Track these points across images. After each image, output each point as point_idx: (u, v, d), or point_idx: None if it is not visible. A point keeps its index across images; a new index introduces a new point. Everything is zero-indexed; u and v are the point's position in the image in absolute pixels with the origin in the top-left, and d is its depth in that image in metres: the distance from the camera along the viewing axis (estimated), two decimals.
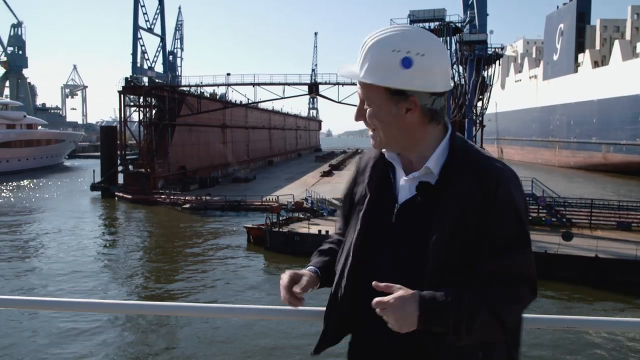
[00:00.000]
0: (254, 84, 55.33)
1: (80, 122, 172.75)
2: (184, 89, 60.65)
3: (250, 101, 63.02)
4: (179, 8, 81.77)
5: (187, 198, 46.10)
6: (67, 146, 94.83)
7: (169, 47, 71.47)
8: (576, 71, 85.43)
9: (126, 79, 55.26)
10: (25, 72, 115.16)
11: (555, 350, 15.35)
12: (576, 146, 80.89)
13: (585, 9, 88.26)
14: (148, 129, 56.19)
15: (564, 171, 76.12)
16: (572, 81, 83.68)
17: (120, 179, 54.90)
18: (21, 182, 63.24)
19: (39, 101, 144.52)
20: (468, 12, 46.27)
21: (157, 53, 64.95)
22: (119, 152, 56.70)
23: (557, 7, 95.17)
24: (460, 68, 44.72)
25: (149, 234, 35.96)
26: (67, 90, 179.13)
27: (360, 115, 1.68)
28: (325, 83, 54.13)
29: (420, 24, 41.45)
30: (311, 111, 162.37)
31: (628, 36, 79.97)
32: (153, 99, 56.82)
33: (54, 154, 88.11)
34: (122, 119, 55.52)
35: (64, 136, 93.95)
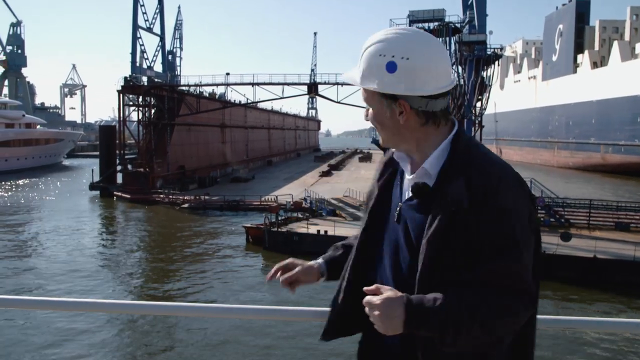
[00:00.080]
0: (253, 84, 55.34)
1: (79, 121, 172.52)
2: (183, 88, 60.66)
3: (249, 101, 63.06)
4: (179, 8, 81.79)
5: (186, 198, 46.09)
6: (66, 145, 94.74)
7: (168, 47, 71.48)
8: (575, 72, 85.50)
9: (125, 78, 55.23)
10: (24, 71, 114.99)
11: (553, 350, 15.35)
12: (575, 147, 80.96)
13: (584, 10, 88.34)
14: (147, 128, 56.16)
15: (562, 172, 76.17)
16: (571, 82, 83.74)
17: (119, 178, 54.91)
18: (20, 181, 63.16)
19: (37, 100, 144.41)
20: (467, 13, 46.27)
21: (157, 52, 65.00)
22: (117, 152, 56.69)
23: (557, 7, 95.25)
24: (460, 68, 44.72)
25: (147, 233, 35.93)
26: (66, 90, 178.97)
27: (366, 116, 1.72)
28: (325, 83, 54.18)
29: (420, 24, 41.49)
30: (310, 111, 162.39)
31: (627, 37, 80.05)
32: (152, 99, 56.80)
33: (52, 153, 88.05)
34: (121, 119, 55.50)
35: (63, 135, 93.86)
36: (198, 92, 62.50)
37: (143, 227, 38.01)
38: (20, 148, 78.32)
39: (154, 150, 54.79)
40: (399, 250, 1.61)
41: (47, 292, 21.51)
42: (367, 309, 1.51)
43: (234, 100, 71.18)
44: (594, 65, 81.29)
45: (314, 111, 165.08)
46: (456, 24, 43.84)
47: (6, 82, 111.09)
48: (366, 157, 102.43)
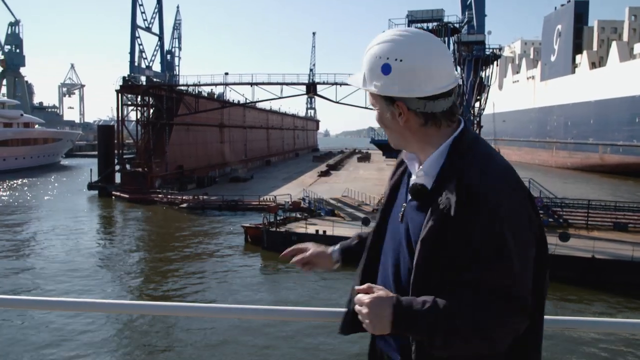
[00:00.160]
0: (251, 84, 55.33)
1: (77, 121, 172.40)
2: (182, 88, 60.62)
3: (248, 101, 62.99)
4: (177, 7, 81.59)
5: (184, 197, 46.08)
6: (64, 145, 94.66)
7: (167, 47, 71.38)
8: (573, 72, 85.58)
9: (124, 78, 55.18)
10: (22, 70, 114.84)
11: (551, 350, 15.36)
12: (573, 147, 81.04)
13: (582, 10, 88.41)
14: (145, 128, 56.13)
15: (561, 172, 76.26)
16: (570, 82, 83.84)
17: (118, 178, 54.89)
18: (18, 181, 63.08)
19: (36, 100, 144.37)
20: (466, 13, 46.28)
21: (155, 52, 64.87)
22: (116, 151, 56.68)
23: (555, 8, 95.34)
24: (458, 68, 44.74)
25: (146, 233, 35.91)
26: (65, 89, 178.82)
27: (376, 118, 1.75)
28: (323, 83, 54.17)
29: (418, 25, 41.47)
30: (309, 111, 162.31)
31: (625, 37, 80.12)
32: (151, 98, 56.77)
33: (51, 152, 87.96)
34: (120, 118, 55.49)
35: (61, 135, 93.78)
36: (197, 91, 62.47)
37: (141, 227, 37.98)
38: (18, 147, 78.24)
39: (153, 150, 54.77)
40: (400, 250, 1.61)
41: (45, 292, 21.49)
42: (357, 307, 1.52)
43: (233, 100, 71.16)
44: (593, 65, 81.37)
45: (312, 111, 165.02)
46: (455, 24, 43.83)
47: (4, 82, 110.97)
48: (365, 157, 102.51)
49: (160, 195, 48.04)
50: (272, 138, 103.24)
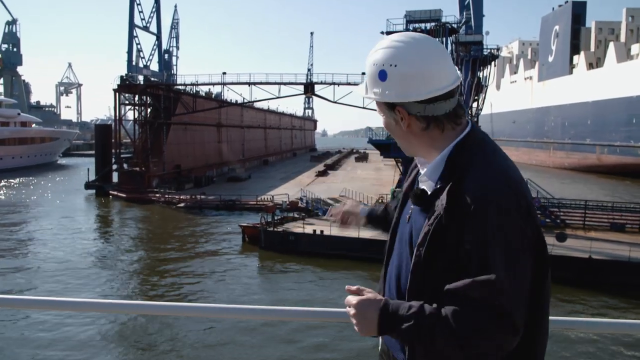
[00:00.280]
0: (249, 83, 55.27)
1: (74, 120, 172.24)
2: (180, 87, 60.53)
3: (245, 100, 62.96)
4: (175, 7, 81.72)
5: (182, 197, 46.03)
6: (62, 144, 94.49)
7: (164, 46, 71.38)
8: (571, 73, 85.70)
9: (121, 77, 55.10)
10: (19, 69, 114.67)
11: (549, 350, 15.38)
12: (570, 147, 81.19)
13: (580, 11, 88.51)
14: (143, 127, 56.07)
15: (558, 172, 76.40)
16: (567, 83, 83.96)
17: (115, 177, 54.80)
18: (14, 180, 62.95)
19: (33, 99, 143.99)
20: (464, 13, 46.38)
21: (153, 51, 64.83)
22: (113, 151, 56.60)
23: (553, 8, 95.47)
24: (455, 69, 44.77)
25: (143, 233, 35.87)
26: (62, 88, 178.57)
27: None
28: (321, 83, 54.16)
29: (416, 25, 41.53)
30: (307, 111, 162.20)
31: (623, 38, 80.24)
32: (148, 98, 56.70)
33: (48, 152, 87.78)
34: (117, 118, 55.38)
35: (58, 134, 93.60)
36: (194, 91, 62.41)
37: (139, 227, 37.93)
38: (15, 147, 78.07)
39: (150, 149, 54.70)
40: (403, 252, 1.63)
41: (42, 291, 21.45)
42: (346, 308, 1.55)
43: (231, 100, 71.14)
44: (590, 66, 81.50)
45: (310, 111, 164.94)
46: (453, 25, 43.85)
47: (1, 81, 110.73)
48: (362, 157, 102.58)
49: (157, 195, 47.97)
50: (269, 138, 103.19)
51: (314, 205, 38.68)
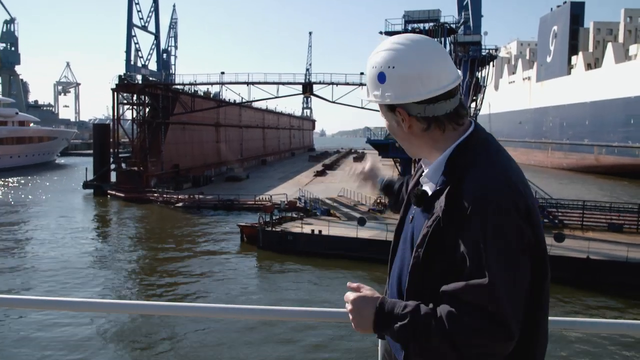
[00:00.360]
0: (248, 83, 55.28)
1: (72, 119, 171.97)
2: (178, 87, 60.49)
3: (244, 100, 62.94)
4: (174, 6, 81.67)
5: (180, 197, 45.99)
6: (60, 144, 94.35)
7: (163, 45, 71.30)
8: (569, 73, 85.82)
9: (120, 76, 55.05)
10: (17, 68, 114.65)
11: (547, 350, 15.40)
12: (569, 148, 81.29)
13: (578, 12, 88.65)
14: (141, 127, 56.01)
15: (556, 172, 76.49)
16: (565, 83, 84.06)
17: (113, 177, 54.72)
18: (12, 179, 62.84)
19: (31, 98, 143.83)
20: (463, 13, 46.36)
21: (151, 51, 64.75)
22: (111, 150, 56.52)
23: (551, 9, 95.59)
24: None
25: (141, 232, 35.83)
26: (60, 88, 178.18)
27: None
28: (320, 83, 54.15)
29: (415, 25, 41.52)
30: (305, 111, 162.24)
31: (621, 39, 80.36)
32: (146, 97, 56.65)
33: (46, 151, 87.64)
34: (115, 117, 55.31)
35: (57, 133, 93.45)
36: (193, 91, 62.38)
37: (137, 226, 37.90)
38: (13, 146, 77.92)
39: (148, 149, 54.64)
40: (405, 251, 1.63)
41: (40, 291, 21.42)
42: (346, 305, 1.57)
43: (229, 100, 71.11)
44: (588, 66, 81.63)
45: (308, 111, 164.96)
46: (451, 25, 43.85)
47: None
48: (361, 157, 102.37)
49: (155, 195, 47.94)
50: (268, 137, 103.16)
51: (312, 205, 38.70)
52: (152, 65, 64.73)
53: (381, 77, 1.54)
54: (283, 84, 54.56)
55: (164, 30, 74.94)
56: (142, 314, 18.01)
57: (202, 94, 66.51)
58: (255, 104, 78.78)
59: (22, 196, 49.25)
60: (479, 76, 45.47)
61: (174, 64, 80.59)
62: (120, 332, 17.38)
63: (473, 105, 46.16)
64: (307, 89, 54.84)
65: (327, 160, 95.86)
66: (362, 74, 51.84)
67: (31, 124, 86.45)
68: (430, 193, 1.57)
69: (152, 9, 64.03)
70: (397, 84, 1.52)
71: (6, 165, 74.14)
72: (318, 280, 24.12)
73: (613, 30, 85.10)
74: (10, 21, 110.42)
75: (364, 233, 28.11)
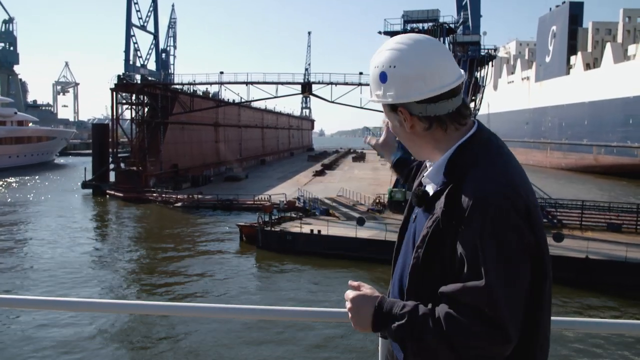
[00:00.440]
0: (247, 83, 55.24)
1: (71, 119, 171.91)
2: (177, 87, 60.46)
3: (243, 100, 62.92)
4: (172, 6, 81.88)
5: (179, 196, 45.98)
6: (59, 143, 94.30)
7: (162, 45, 71.36)
8: (568, 73, 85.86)
9: (118, 76, 55.03)
10: (16, 68, 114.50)
11: None
12: (567, 148, 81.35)
13: (577, 12, 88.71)
14: (140, 126, 55.98)
15: (555, 172, 76.56)
16: (564, 83, 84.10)
17: (112, 177, 54.70)
18: (11, 179, 62.76)
19: (30, 98, 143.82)
20: (462, 13, 46.45)
21: (150, 51, 64.76)
22: (110, 150, 56.49)
23: (550, 9, 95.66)
24: None
25: (140, 232, 35.80)
26: (59, 87, 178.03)
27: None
28: (319, 82, 54.14)
29: (414, 25, 41.58)
30: (304, 110, 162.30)
31: (620, 39, 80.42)
32: (145, 97, 56.61)
33: (44, 151, 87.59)
34: (114, 117, 55.28)
35: (55, 133, 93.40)
36: (192, 90, 62.35)
37: (136, 226, 37.87)
38: (11, 146, 77.86)
39: (147, 148, 54.62)
40: (407, 251, 1.63)
41: (39, 291, 21.41)
42: (345, 302, 1.58)
43: (228, 99, 71.08)
44: (587, 66, 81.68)
45: (307, 110, 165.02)
46: (450, 25, 43.94)
47: None
48: (360, 157, 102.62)
49: (154, 194, 47.92)
50: (267, 137, 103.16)
51: (311, 205, 38.71)
52: (151, 65, 64.81)
53: (383, 77, 1.54)
54: (282, 83, 54.57)
55: (163, 30, 75.17)
56: (142, 314, 18.01)
57: (201, 94, 66.51)
58: (254, 104, 78.81)
59: (21, 196, 49.20)
60: (478, 76, 45.54)
61: (173, 64, 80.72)
62: (120, 332, 17.37)
63: (472, 105, 46.21)
64: (306, 88, 54.83)
65: (326, 160, 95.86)
66: (361, 73, 51.93)
67: (30, 124, 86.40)
68: (431, 193, 1.56)
69: (151, 9, 64.06)
70: (398, 84, 1.52)
71: (5, 165, 74.09)
72: (317, 280, 24.13)
73: (612, 30, 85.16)
74: (9, 21, 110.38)
75: (363, 233, 28.12)
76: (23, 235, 32.52)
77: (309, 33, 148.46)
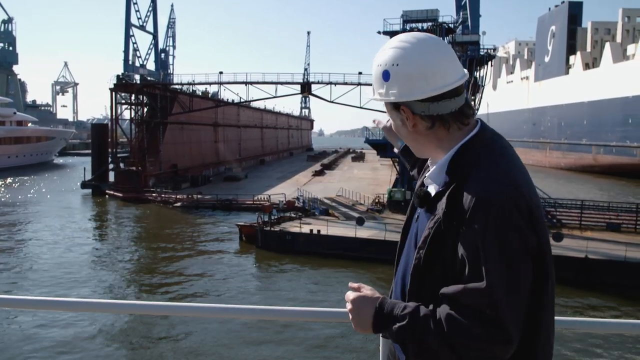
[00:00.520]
0: (246, 83, 55.18)
1: (71, 119, 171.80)
2: (176, 87, 60.43)
3: (242, 100, 62.88)
4: (172, 6, 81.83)
5: (178, 196, 45.98)
6: (58, 143, 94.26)
7: (161, 45, 71.26)
8: (567, 73, 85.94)
9: (118, 76, 55.00)
10: (15, 68, 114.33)
11: None
12: (567, 147, 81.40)
13: (576, 11, 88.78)
14: (139, 126, 55.96)
15: (554, 172, 76.59)
16: (563, 83, 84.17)
17: (111, 177, 54.69)
18: (10, 179, 62.73)
19: (29, 98, 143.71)
20: (461, 13, 46.45)
21: (149, 51, 64.74)
22: (110, 150, 56.46)
23: (549, 9, 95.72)
24: None
25: (139, 232, 35.80)
26: (58, 87, 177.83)
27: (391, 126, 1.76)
28: (318, 82, 54.07)
29: (413, 25, 41.54)
30: (303, 110, 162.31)
31: (619, 39, 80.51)
32: (145, 97, 56.60)
33: (44, 151, 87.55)
34: (114, 117, 55.26)
35: (55, 133, 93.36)
36: (191, 90, 62.33)
37: (135, 226, 37.86)
38: (10, 146, 77.81)
39: (147, 148, 54.62)
40: (410, 251, 1.62)
41: (38, 291, 21.39)
42: (346, 304, 1.58)
43: (227, 99, 71.06)
44: (586, 66, 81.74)
45: (307, 110, 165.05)
46: (449, 25, 43.90)
47: None
48: (359, 157, 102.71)
49: (154, 194, 47.93)
50: (266, 137, 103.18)
51: (310, 204, 38.72)
52: (150, 65, 64.78)
53: (386, 75, 1.53)
54: (281, 83, 54.52)
55: (162, 30, 75.11)
56: (142, 314, 18.00)
57: (200, 94, 66.49)
58: (253, 104, 78.76)
59: (20, 196, 49.16)
60: (477, 76, 45.50)
61: (172, 64, 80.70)
62: (120, 332, 17.37)
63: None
64: (306, 88, 54.78)
65: (325, 160, 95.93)
66: (360, 73, 51.90)
67: (29, 124, 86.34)
68: (433, 194, 1.55)
69: (150, 9, 64.04)
70: (401, 82, 1.51)
71: (4, 165, 74.05)
72: (316, 279, 24.13)
73: (611, 30, 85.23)
74: (8, 20, 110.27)
75: (363, 233, 28.13)
76: (22, 236, 32.50)
77: (309, 33, 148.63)
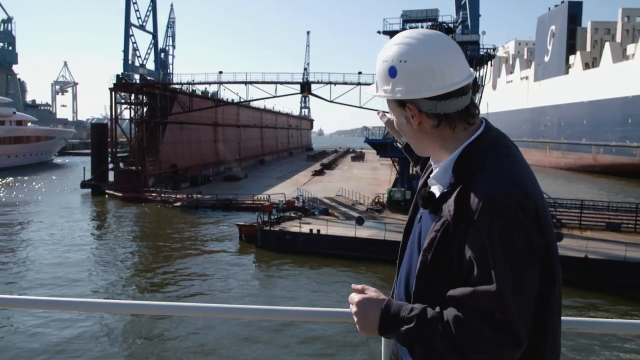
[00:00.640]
0: (246, 83, 55.17)
1: (70, 119, 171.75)
2: (176, 86, 60.40)
3: (242, 100, 62.86)
4: (171, 6, 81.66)
5: (178, 196, 45.96)
6: (57, 143, 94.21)
7: (160, 45, 71.15)
8: (567, 73, 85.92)
9: (117, 76, 54.95)
10: (15, 68, 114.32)
11: None
12: (566, 147, 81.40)
13: (576, 11, 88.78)
14: (139, 126, 55.93)
15: (554, 172, 76.57)
16: (563, 83, 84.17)
17: (111, 176, 54.67)
18: (10, 179, 62.69)
19: (28, 98, 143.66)
20: (460, 13, 46.38)
21: (149, 50, 64.69)
22: (109, 150, 56.41)
23: (549, 8, 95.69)
24: None
25: (139, 232, 35.78)
26: (58, 87, 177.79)
27: (390, 125, 1.72)
28: (317, 82, 54.05)
29: (413, 24, 41.50)
30: (303, 110, 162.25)
31: (618, 38, 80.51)
32: (144, 97, 56.57)
33: (43, 151, 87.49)
34: (113, 116, 55.22)
35: (54, 133, 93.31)
36: (190, 90, 62.31)
37: (135, 226, 37.84)
38: (10, 146, 77.75)
39: (146, 148, 54.59)
40: (413, 252, 1.61)
41: (38, 291, 21.38)
42: (350, 306, 1.56)
43: (227, 99, 71.04)
44: (586, 66, 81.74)
45: (306, 110, 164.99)
46: (449, 24, 43.86)
47: None
48: (359, 157, 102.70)
49: (153, 194, 47.91)
50: (266, 137, 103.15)
51: (310, 204, 38.71)
52: (150, 65, 64.72)
53: (392, 72, 1.50)
54: (281, 83, 54.49)
55: (162, 30, 75.00)
56: (142, 314, 17.99)
57: (200, 94, 66.46)
58: (253, 104, 78.77)
59: (20, 196, 49.13)
60: (477, 76, 45.47)
61: (172, 64, 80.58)
62: (120, 332, 17.37)
63: None
64: (305, 88, 54.76)
65: (325, 160, 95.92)
66: (360, 73, 51.90)
67: (29, 124, 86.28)
68: (437, 195, 1.53)
69: (150, 9, 64.00)
70: (408, 79, 1.49)
71: (4, 165, 74.00)
72: (316, 279, 24.13)
73: (611, 29, 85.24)
74: (8, 20, 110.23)
75: (362, 232, 28.13)
76: (22, 236, 32.48)
77: (308, 33, 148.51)
